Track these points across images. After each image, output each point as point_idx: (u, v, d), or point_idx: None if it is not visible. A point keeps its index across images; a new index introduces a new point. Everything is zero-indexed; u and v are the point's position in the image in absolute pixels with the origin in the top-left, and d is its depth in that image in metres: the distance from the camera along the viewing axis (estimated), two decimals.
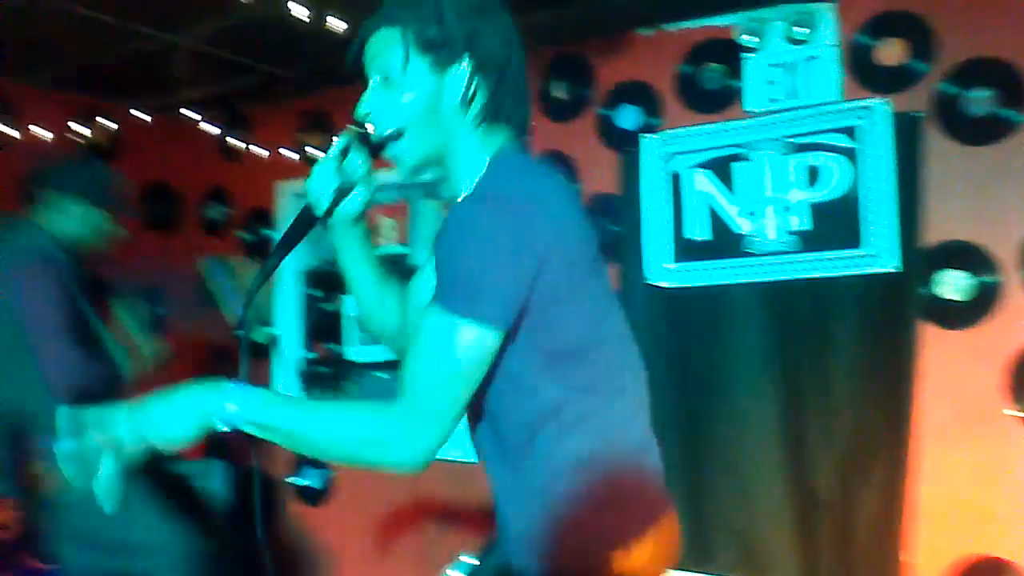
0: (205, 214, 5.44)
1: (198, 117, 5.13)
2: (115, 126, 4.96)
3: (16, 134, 4.55)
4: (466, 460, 4.23)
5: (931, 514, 3.21)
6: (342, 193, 1.61)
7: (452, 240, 1.35)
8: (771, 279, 3.50)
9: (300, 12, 3.35)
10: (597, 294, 1.47)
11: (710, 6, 3.61)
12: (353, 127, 1.59)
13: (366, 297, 1.79)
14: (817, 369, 3.41)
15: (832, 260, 3.38)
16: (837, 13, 3.45)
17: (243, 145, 5.18)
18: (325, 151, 1.60)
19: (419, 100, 1.48)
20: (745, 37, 3.55)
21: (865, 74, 3.40)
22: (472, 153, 1.52)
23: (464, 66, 1.49)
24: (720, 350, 3.60)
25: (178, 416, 1.43)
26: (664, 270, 3.73)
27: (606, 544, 1.44)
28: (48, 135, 4.61)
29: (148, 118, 4.99)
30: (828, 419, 3.38)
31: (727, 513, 3.56)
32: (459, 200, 1.46)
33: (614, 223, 3.89)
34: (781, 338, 3.49)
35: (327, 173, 1.58)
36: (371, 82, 1.53)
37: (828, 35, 3.45)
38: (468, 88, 1.49)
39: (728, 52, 3.64)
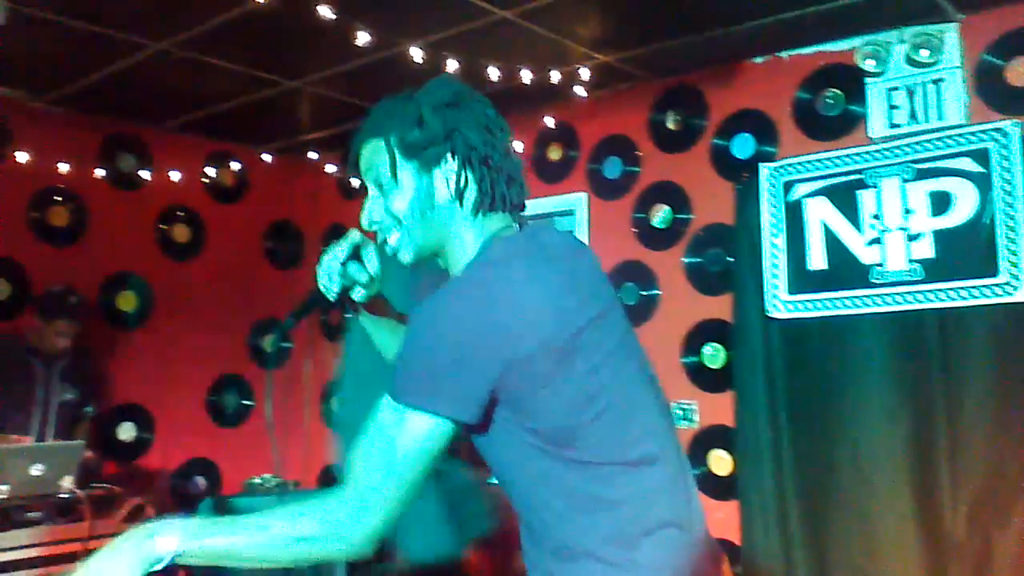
0: (326, 251, 5.60)
1: (318, 157, 5.33)
2: (241, 167, 5.20)
3: (148, 176, 4.82)
4: None
5: None
6: (347, 289, 1.69)
7: (413, 330, 1.37)
8: (896, 309, 3.38)
9: (417, 54, 3.44)
10: (591, 365, 1.38)
11: (827, 32, 3.54)
12: (358, 231, 1.68)
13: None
14: (947, 404, 3.26)
15: (962, 289, 3.24)
16: (962, 33, 3.33)
17: (362, 184, 5.33)
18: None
19: (413, 202, 1.50)
20: (866, 62, 3.46)
21: (994, 95, 3.27)
22: (469, 241, 1.53)
23: (450, 162, 1.49)
24: (842, 384, 3.48)
25: (119, 568, 1.39)
26: (782, 301, 3.64)
27: None
28: (179, 176, 4.86)
29: (271, 159, 5.20)
30: (960, 457, 3.22)
31: (852, 557, 3.42)
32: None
33: (729, 253, 3.83)
34: (908, 371, 3.35)
35: (332, 272, 1.66)
36: (369, 191, 1.56)
37: (953, 56, 3.33)
38: (457, 182, 1.49)
39: (847, 77, 3.57)
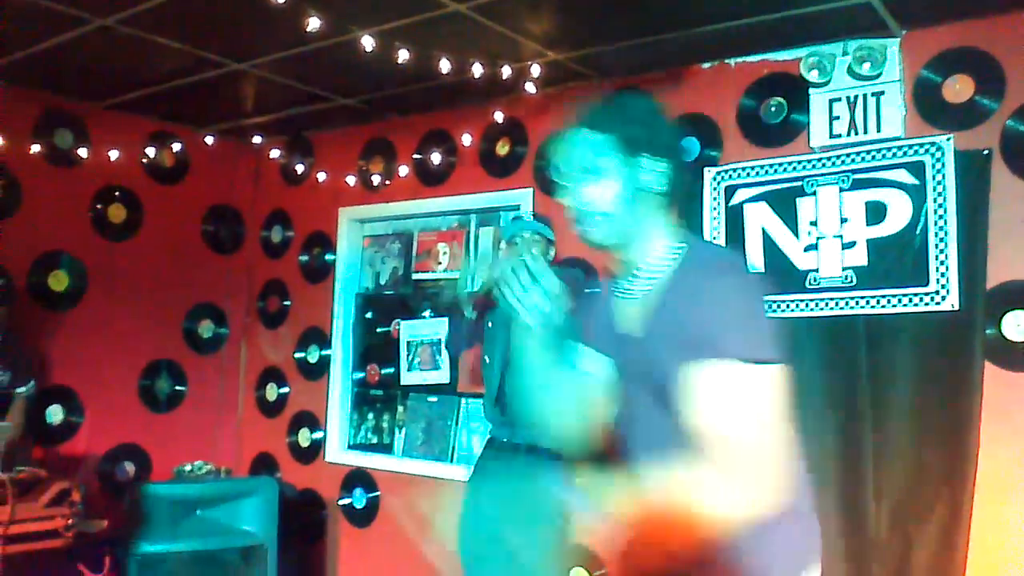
0: (267, 236, 5.55)
1: (262, 141, 5.26)
2: (182, 148, 5.10)
3: (85, 154, 4.70)
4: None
5: (984, 564, 3.11)
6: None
7: (741, 302, 1.57)
8: (828, 314, 3.46)
9: (368, 43, 3.42)
10: None
11: (773, 41, 3.61)
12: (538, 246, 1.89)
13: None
14: (873, 407, 3.35)
15: (893, 297, 3.33)
16: (903, 49, 3.42)
17: (306, 170, 5.28)
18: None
19: (623, 193, 1.65)
20: (810, 72, 3.53)
21: (931, 110, 3.36)
22: (658, 239, 1.69)
23: (661, 164, 1.66)
24: None
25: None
26: None
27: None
28: (117, 155, 4.75)
29: (213, 141, 5.12)
30: (884, 459, 3.32)
31: None
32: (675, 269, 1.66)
33: None
34: (837, 374, 3.43)
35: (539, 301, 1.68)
36: (573, 178, 1.68)
37: (894, 71, 3.42)
38: (666, 182, 1.66)
39: (791, 86, 3.64)
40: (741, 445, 1.51)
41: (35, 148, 4.50)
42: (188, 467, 4.54)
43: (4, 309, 3.95)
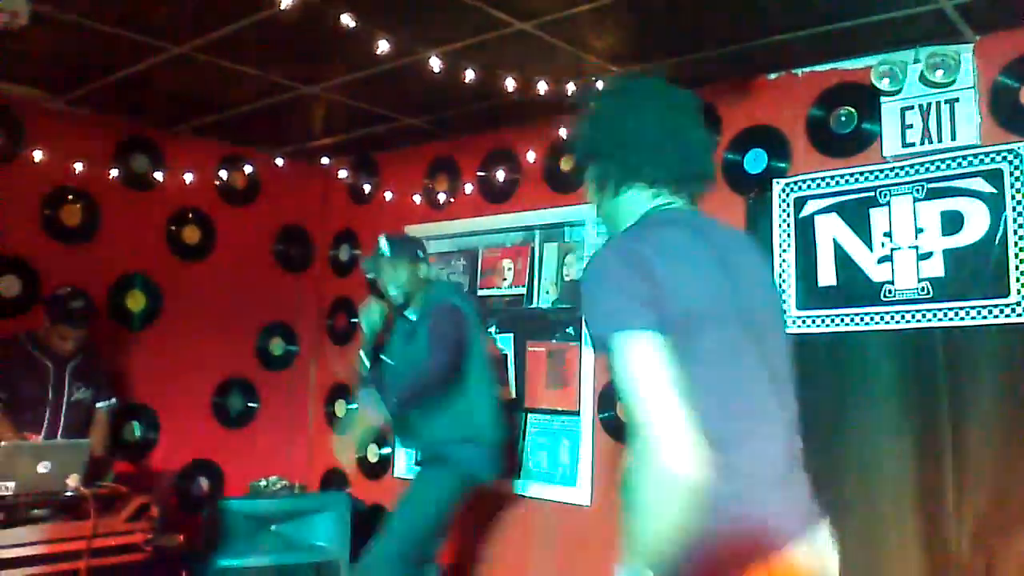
0: (335, 255, 5.64)
1: (330, 162, 5.35)
2: (253, 170, 5.23)
3: (161, 177, 4.84)
4: (573, 503, 4.25)
5: None
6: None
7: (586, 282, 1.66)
8: (905, 327, 3.38)
9: (435, 63, 3.46)
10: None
11: (842, 50, 3.56)
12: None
13: None
14: (953, 422, 3.25)
15: (972, 309, 3.24)
16: (977, 54, 3.34)
17: (372, 189, 5.36)
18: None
19: (595, 201, 1.93)
20: (881, 81, 3.47)
21: (1008, 116, 3.27)
22: (624, 216, 1.86)
23: (591, 168, 1.90)
24: (850, 400, 3.47)
25: None
26: (792, 316, 3.65)
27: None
28: (191, 178, 4.88)
29: (283, 163, 5.22)
30: (966, 476, 3.21)
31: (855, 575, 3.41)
32: None
33: None
34: (915, 389, 3.34)
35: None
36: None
37: (968, 77, 3.34)
38: (597, 179, 1.89)
39: (861, 95, 3.57)
40: None
41: (113, 173, 4.65)
42: (263, 482, 4.61)
43: (79, 330, 4.05)
